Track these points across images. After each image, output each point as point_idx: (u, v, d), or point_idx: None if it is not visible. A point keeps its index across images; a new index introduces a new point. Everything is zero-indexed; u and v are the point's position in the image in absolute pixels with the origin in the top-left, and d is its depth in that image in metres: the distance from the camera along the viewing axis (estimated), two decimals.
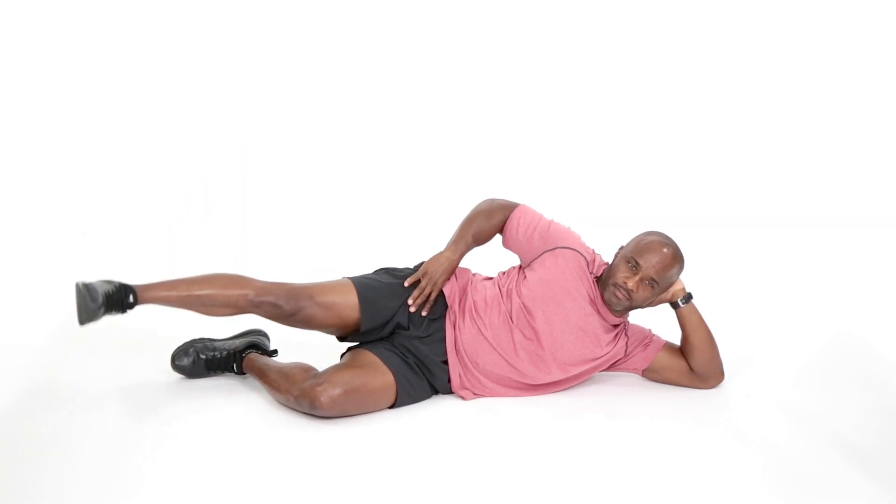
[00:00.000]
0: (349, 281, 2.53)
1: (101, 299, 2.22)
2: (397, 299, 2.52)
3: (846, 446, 2.19)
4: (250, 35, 3.93)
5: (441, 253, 2.58)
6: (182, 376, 2.64)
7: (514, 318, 2.50)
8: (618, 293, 2.44)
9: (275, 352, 2.72)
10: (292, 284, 2.46)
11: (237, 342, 2.69)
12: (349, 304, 2.47)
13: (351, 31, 3.99)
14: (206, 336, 2.69)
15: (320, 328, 2.50)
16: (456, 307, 2.56)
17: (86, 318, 2.21)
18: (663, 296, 2.53)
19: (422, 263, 2.61)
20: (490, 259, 2.80)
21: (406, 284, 2.55)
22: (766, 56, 3.98)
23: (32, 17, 3.67)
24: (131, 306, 2.30)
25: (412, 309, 2.51)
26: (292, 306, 2.41)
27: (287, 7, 3.94)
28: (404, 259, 2.75)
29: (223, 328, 2.80)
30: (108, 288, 2.27)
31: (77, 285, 2.24)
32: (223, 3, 3.89)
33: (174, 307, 2.38)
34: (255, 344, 2.68)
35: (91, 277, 2.34)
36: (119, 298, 2.27)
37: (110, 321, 2.32)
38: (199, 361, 2.63)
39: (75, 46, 3.74)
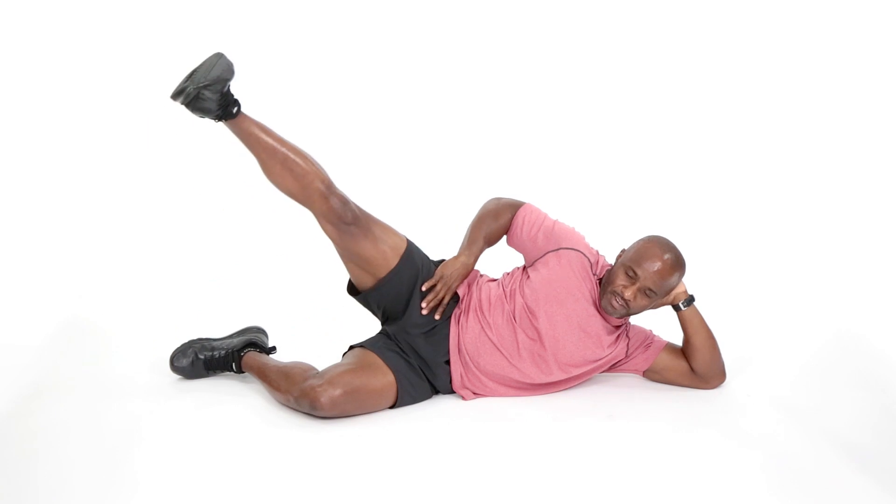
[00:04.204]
0: (405, 237, 2.55)
1: (231, 78, 2.22)
2: (425, 281, 2.53)
3: (846, 446, 2.19)
4: (248, 43, 3.93)
5: (456, 258, 2.57)
6: (181, 377, 2.64)
7: (517, 319, 2.50)
8: (615, 301, 2.44)
9: (273, 349, 2.71)
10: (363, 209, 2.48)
11: (235, 341, 2.68)
12: (395, 248, 2.48)
13: (351, 33, 3.99)
14: (205, 336, 2.69)
15: (356, 252, 2.47)
16: (462, 305, 2.56)
17: (213, 74, 2.18)
18: (664, 299, 2.52)
19: (441, 261, 2.61)
20: (493, 259, 2.80)
21: (423, 289, 2.54)
22: (766, 55, 3.98)
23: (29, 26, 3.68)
24: (232, 117, 2.29)
25: (425, 311, 2.51)
26: (353, 217, 2.40)
27: (287, 8, 3.94)
28: None
29: (222, 326, 2.81)
30: (227, 90, 2.26)
31: (220, 52, 2.23)
32: (224, 6, 3.90)
33: (252, 148, 2.36)
34: (254, 342, 2.67)
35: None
36: (226, 102, 2.27)
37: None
38: (198, 362, 2.63)
39: (75, 51, 3.75)
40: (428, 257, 2.60)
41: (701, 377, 2.59)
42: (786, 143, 3.98)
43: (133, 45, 3.82)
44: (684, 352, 2.60)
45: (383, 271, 2.49)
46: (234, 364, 2.64)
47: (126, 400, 2.46)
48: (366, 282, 2.53)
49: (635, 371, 2.66)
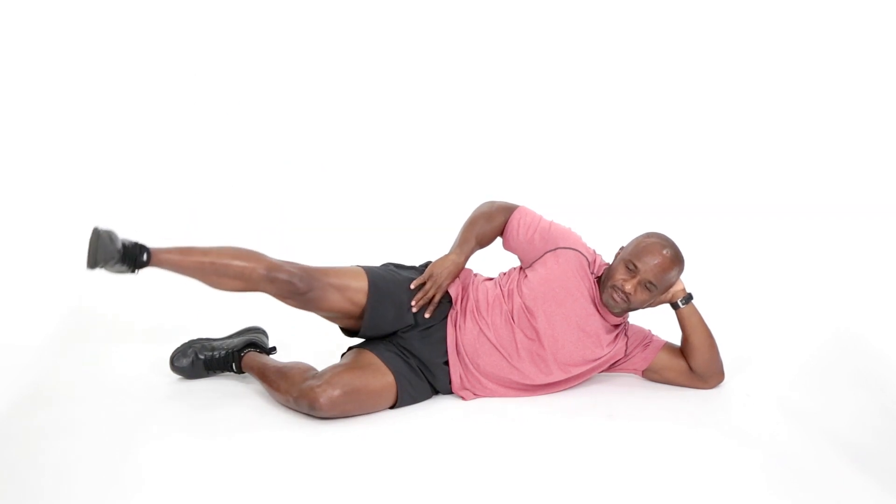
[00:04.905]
0: (360, 268, 2.52)
1: (119, 246, 2.21)
2: (406, 293, 2.52)
3: (845, 446, 2.19)
4: (249, 40, 3.93)
5: (446, 256, 2.57)
6: (181, 377, 2.64)
7: (515, 318, 2.50)
8: (615, 295, 2.45)
9: (273, 349, 2.71)
10: (305, 264, 2.45)
11: (235, 341, 2.68)
12: (360, 289, 2.46)
13: (350, 32, 3.99)
14: (205, 336, 2.69)
15: (327, 310, 2.48)
16: (458, 307, 2.56)
17: (100, 259, 2.17)
18: (663, 296, 2.53)
19: (427, 263, 2.61)
20: (490, 260, 2.80)
21: (412, 287, 2.54)
22: (763, 47, 3.97)
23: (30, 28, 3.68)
24: (144, 265, 2.28)
25: (415, 310, 2.51)
26: (305, 284, 2.39)
27: (286, 9, 3.93)
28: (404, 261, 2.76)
29: (222, 326, 2.81)
30: (126, 241, 2.26)
31: (95, 228, 2.21)
32: (227, 7, 3.90)
33: (185, 274, 2.34)
34: (254, 342, 2.68)
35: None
36: (133, 255, 2.25)
37: (117, 278, 2.30)
38: (198, 362, 2.63)
39: (75, 51, 3.74)
40: (397, 272, 2.58)
41: (700, 376, 2.59)
42: (785, 142, 3.98)
43: (130, 44, 3.82)
44: (683, 351, 2.61)
45: (359, 310, 2.48)
46: (234, 364, 2.64)
47: (126, 400, 2.46)
48: (353, 325, 2.53)
49: (634, 371, 2.66)
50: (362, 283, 2.47)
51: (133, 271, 2.29)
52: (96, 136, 3.78)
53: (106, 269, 2.25)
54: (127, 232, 3.49)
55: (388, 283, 2.51)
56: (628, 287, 2.42)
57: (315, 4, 3.94)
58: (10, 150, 3.62)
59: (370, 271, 2.52)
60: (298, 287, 2.38)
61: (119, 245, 2.24)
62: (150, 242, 2.34)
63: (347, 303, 2.46)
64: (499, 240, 2.65)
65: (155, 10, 3.82)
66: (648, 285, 2.43)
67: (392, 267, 2.63)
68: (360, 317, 2.49)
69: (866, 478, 2.02)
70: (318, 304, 2.44)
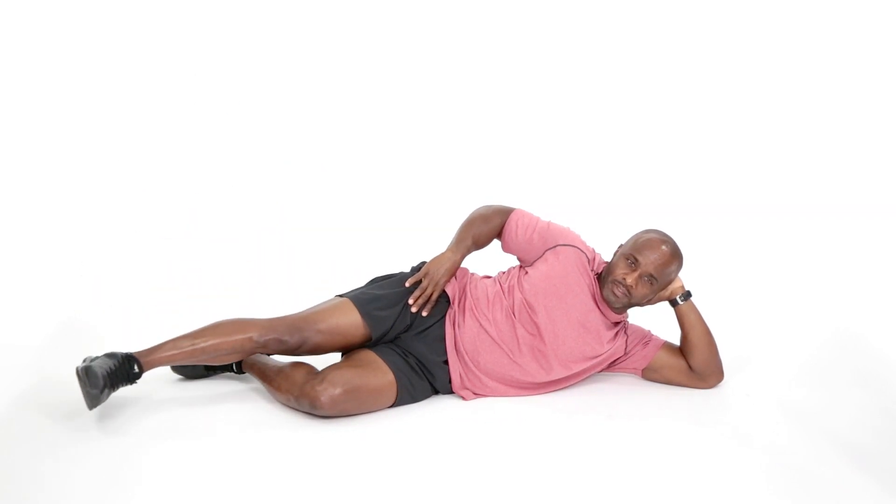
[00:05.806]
0: (346, 300, 2.52)
1: (101, 382, 2.17)
2: (397, 304, 2.52)
3: (845, 446, 2.20)
4: (249, 41, 3.93)
5: (443, 253, 2.58)
6: (181, 377, 2.64)
7: (516, 314, 2.51)
8: (616, 290, 2.45)
9: None
10: (293, 316, 2.45)
11: None
12: (353, 323, 2.47)
13: (350, 33, 3.99)
14: None
15: (330, 352, 2.50)
16: (456, 305, 2.57)
17: (91, 404, 2.18)
18: (662, 293, 2.53)
19: (421, 264, 2.62)
20: (488, 261, 2.80)
21: (407, 285, 2.55)
22: (763, 45, 3.97)
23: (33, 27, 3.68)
24: (138, 376, 2.28)
25: (413, 309, 2.51)
26: (297, 339, 2.41)
27: (286, 9, 3.94)
28: (400, 264, 2.76)
29: None
30: (110, 364, 2.23)
31: (77, 371, 2.20)
32: (225, 10, 3.90)
33: (184, 361, 2.37)
34: None
35: (96, 351, 2.33)
36: (124, 372, 2.25)
37: (122, 392, 2.33)
38: None
39: (74, 51, 3.75)
40: (383, 285, 2.58)
41: (699, 375, 2.60)
42: (785, 142, 3.98)
43: (131, 45, 3.82)
44: (682, 349, 2.61)
45: (363, 339, 2.50)
46: (234, 364, 2.64)
47: (126, 400, 2.46)
48: (364, 340, 2.53)
49: (634, 370, 2.67)
50: (353, 317, 2.48)
51: (133, 382, 2.29)
52: (97, 138, 3.78)
53: (112, 393, 2.24)
54: (132, 235, 3.49)
55: (379, 302, 2.51)
56: (630, 280, 2.43)
57: (315, 5, 3.95)
58: (10, 151, 3.62)
59: (356, 299, 2.52)
60: (290, 343, 2.41)
61: (101, 381, 2.17)
62: (134, 348, 2.33)
63: (343, 338, 2.48)
64: (496, 242, 2.65)
65: (155, 11, 3.82)
66: (649, 279, 2.44)
67: (377, 280, 2.64)
68: (363, 341, 2.50)
69: (866, 478, 2.02)
70: (316, 351, 2.47)
